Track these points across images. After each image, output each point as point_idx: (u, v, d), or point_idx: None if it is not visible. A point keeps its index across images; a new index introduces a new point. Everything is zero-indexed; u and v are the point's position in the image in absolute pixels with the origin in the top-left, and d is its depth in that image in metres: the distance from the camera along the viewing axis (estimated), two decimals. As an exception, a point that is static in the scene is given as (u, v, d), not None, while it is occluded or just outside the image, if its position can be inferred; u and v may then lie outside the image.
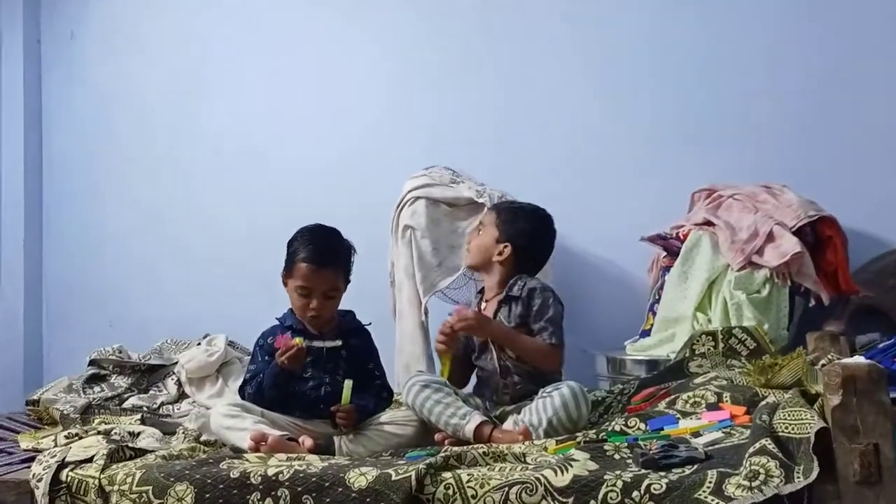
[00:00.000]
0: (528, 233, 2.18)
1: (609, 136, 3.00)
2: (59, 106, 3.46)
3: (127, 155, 3.38)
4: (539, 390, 1.98)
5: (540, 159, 3.02)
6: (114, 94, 3.42)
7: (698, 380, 2.00)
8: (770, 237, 2.51)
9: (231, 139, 3.29)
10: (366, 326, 2.14)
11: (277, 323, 2.10)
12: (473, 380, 2.21)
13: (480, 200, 2.68)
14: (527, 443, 1.78)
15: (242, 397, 2.04)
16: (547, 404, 1.92)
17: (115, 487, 1.63)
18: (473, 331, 2.06)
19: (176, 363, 2.65)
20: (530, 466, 1.54)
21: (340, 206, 2.98)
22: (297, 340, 1.95)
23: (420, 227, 2.69)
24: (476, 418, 1.93)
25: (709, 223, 2.64)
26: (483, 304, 2.17)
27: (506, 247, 2.15)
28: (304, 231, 2.09)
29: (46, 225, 3.42)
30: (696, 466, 1.46)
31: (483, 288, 2.23)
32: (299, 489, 1.54)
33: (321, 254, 2.03)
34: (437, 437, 1.95)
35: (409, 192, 2.75)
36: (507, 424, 1.94)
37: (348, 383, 1.96)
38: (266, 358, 2.03)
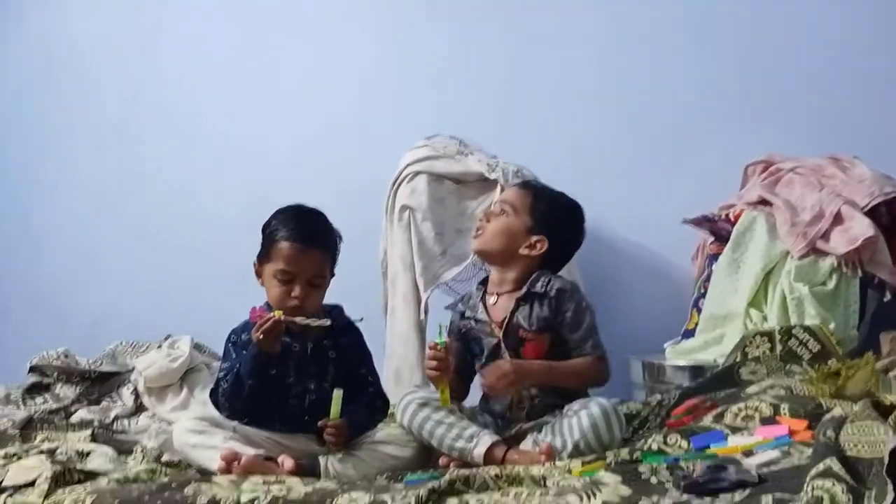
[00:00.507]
0: (567, 229, 2.17)
1: (645, 101, 3.00)
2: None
3: (72, 123, 3.38)
4: (560, 403, 1.99)
5: (560, 127, 3.03)
6: (58, 53, 3.42)
7: (751, 389, 2.00)
8: (838, 219, 2.51)
9: (194, 108, 3.30)
10: (356, 323, 2.14)
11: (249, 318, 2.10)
12: (476, 390, 2.20)
13: (492, 176, 2.68)
14: (547, 464, 1.78)
15: (215, 400, 2.03)
16: (573, 425, 1.91)
17: (62, 516, 1.63)
18: (515, 386, 2.03)
19: (133, 370, 2.67)
20: (551, 491, 1.54)
21: (325, 184, 3.00)
22: (277, 313, 1.93)
23: (421, 208, 2.69)
24: (486, 439, 1.94)
25: (765, 202, 2.64)
26: (492, 299, 2.16)
27: (541, 241, 2.13)
28: (285, 209, 2.08)
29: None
30: (748, 491, 1.46)
31: (486, 279, 2.21)
32: (278, 518, 1.55)
33: (307, 232, 2.02)
34: (441, 461, 1.96)
35: (408, 165, 2.74)
36: (527, 445, 1.95)
37: (338, 393, 1.95)
38: (242, 353, 2.03)
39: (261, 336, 1.92)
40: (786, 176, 2.68)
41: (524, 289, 2.10)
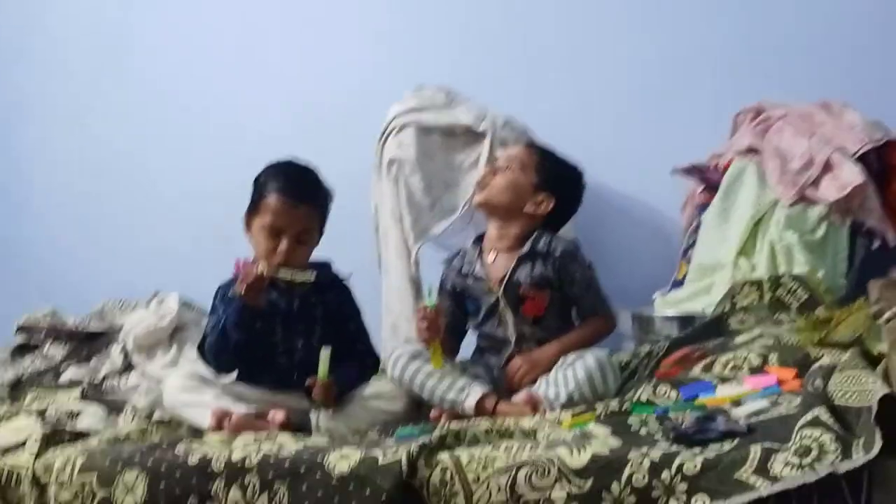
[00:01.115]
0: (571, 191, 2.21)
1: (634, 48, 2.96)
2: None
3: (46, 88, 3.33)
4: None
5: (548, 75, 2.99)
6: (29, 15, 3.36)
7: (740, 338, 2.01)
8: (827, 166, 2.49)
9: (178, 66, 3.24)
10: (345, 280, 2.13)
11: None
12: (469, 344, 2.21)
13: (481, 128, 2.66)
14: (537, 417, 1.80)
15: (203, 354, 2.03)
16: (568, 376, 1.93)
17: (53, 477, 1.64)
18: (532, 376, 2.03)
19: (121, 328, 2.66)
20: (541, 444, 1.55)
21: (311, 139, 2.96)
22: (261, 265, 1.92)
23: (409, 161, 2.67)
24: (477, 390, 1.95)
25: (755, 150, 2.62)
26: (490, 256, 2.15)
27: (546, 199, 2.14)
28: (276, 163, 2.07)
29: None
30: (736, 441, 1.47)
31: (482, 235, 2.21)
32: (270, 476, 1.56)
33: (297, 186, 2.01)
34: (432, 413, 1.97)
35: (395, 118, 2.71)
36: (521, 397, 1.96)
37: (325, 353, 1.95)
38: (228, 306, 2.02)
39: (243, 289, 1.91)
40: (776, 123, 2.65)
41: (527, 247, 2.10)
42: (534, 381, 2.00)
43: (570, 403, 1.88)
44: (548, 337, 2.09)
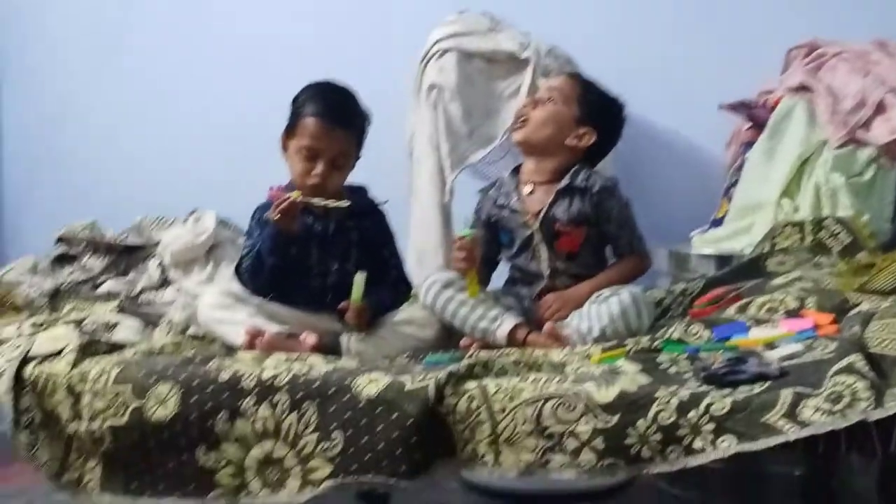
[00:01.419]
0: (613, 125, 2.16)
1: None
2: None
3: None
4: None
5: (593, 4, 2.92)
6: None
7: (777, 280, 1.98)
8: (880, 107, 2.44)
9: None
10: (381, 206, 2.13)
11: None
12: (500, 274, 2.20)
13: (524, 55, 2.61)
14: (567, 350, 1.80)
15: (239, 275, 2.05)
16: (602, 311, 1.92)
17: (88, 386, 1.68)
18: (564, 312, 2.01)
19: (158, 244, 2.69)
20: (569, 378, 1.55)
21: (352, 58, 2.92)
22: (295, 194, 1.92)
23: (449, 87, 2.63)
24: (509, 320, 1.95)
25: (806, 88, 2.56)
26: (527, 189, 2.11)
27: (588, 133, 2.10)
28: (315, 85, 2.05)
29: (2, 78, 3.40)
30: (767, 384, 1.46)
31: (519, 166, 2.17)
32: (299, 395, 1.58)
33: (334, 110, 1.99)
34: (462, 342, 1.98)
35: (437, 42, 2.67)
36: (545, 329, 1.95)
37: (359, 277, 1.95)
38: (265, 229, 2.03)
39: (277, 216, 1.91)
40: (829, 61, 2.59)
41: (565, 181, 2.06)
42: (564, 317, 1.99)
43: (602, 338, 1.88)
44: (581, 273, 2.08)
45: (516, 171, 2.17)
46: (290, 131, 2.02)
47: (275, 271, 1.98)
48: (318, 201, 1.96)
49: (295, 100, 2.04)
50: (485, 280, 2.15)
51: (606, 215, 2.08)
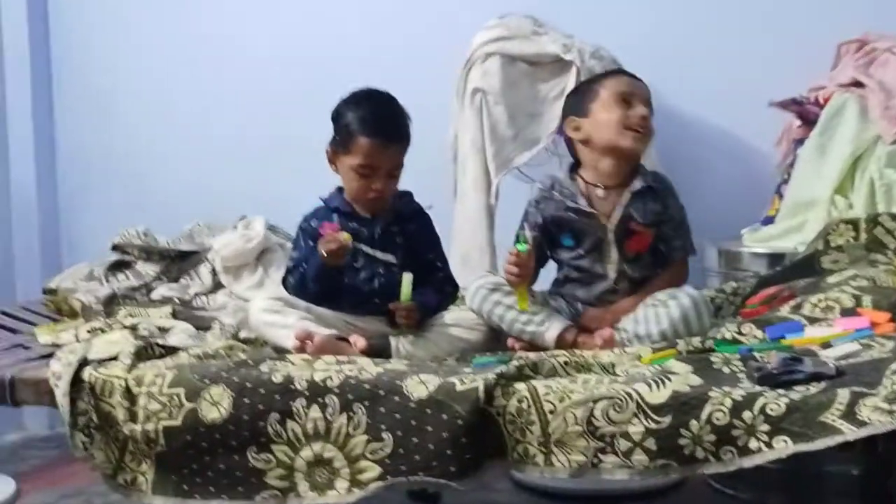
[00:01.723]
0: None
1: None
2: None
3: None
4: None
5: (633, 1, 2.89)
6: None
7: (832, 279, 1.95)
8: (935, 102, 2.39)
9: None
10: (426, 210, 2.14)
11: (322, 204, 2.11)
12: (547, 275, 2.17)
13: (568, 57, 2.60)
14: (617, 351, 1.78)
15: (286, 288, 2.09)
16: (661, 315, 1.89)
17: (144, 389, 1.70)
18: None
19: (209, 249, 2.72)
20: (620, 379, 1.54)
21: (396, 62, 2.93)
22: (346, 237, 1.96)
23: (493, 91, 2.63)
24: (558, 324, 1.94)
25: (858, 84, 2.52)
26: (599, 191, 2.06)
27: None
28: (358, 99, 2.06)
29: (57, 87, 3.46)
30: (823, 384, 1.44)
31: (574, 169, 2.09)
32: (350, 397, 1.59)
33: (388, 127, 2.02)
34: (509, 342, 1.97)
35: (480, 46, 2.67)
36: (603, 333, 1.93)
37: (407, 277, 1.97)
38: (310, 243, 2.06)
39: (329, 257, 1.95)
40: (882, 56, 2.55)
41: (640, 183, 2.03)
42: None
43: (663, 342, 1.83)
44: (642, 275, 2.04)
45: (573, 172, 2.11)
46: (342, 147, 2.04)
47: (318, 294, 2.03)
48: (367, 250, 2.01)
49: (340, 113, 2.06)
50: (534, 276, 2.12)
51: (668, 216, 2.05)
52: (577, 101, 2.10)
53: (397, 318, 1.99)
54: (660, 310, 1.90)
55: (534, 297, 2.01)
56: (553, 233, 2.08)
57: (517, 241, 1.98)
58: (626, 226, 2.03)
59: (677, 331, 1.86)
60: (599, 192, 2.05)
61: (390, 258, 2.03)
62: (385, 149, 2.01)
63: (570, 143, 2.13)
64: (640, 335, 1.88)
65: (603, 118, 2.04)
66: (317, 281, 2.01)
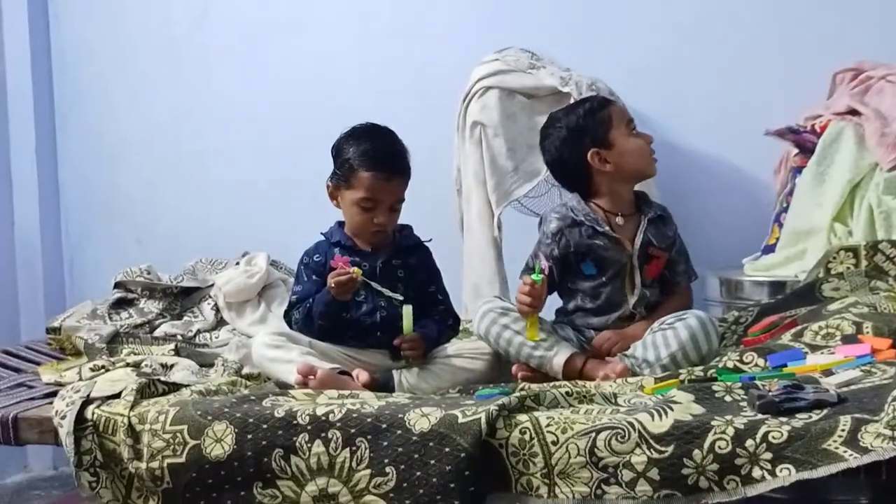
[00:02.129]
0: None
1: (726, 3, 2.87)
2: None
3: (144, 40, 3.39)
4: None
5: (635, 33, 2.91)
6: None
7: (833, 306, 1.95)
8: (931, 129, 2.40)
9: (264, 18, 3.27)
10: (425, 243, 2.15)
11: (323, 239, 2.13)
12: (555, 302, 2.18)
13: (566, 89, 2.62)
14: (619, 381, 1.78)
15: (289, 323, 2.09)
16: (669, 337, 1.90)
17: (147, 426, 1.71)
18: (624, 347, 1.99)
19: (212, 285, 2.73)
20: (622, 409, 1.54)
21: (395, 98, 2.96)
22: (356, 271, 1.98)
23: (492, 124, 2.66)
24: (566, 350, 1.95)
25: (854, 112, 2.53)
26: (619, 219, 2.08)
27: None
28: (358, 133, 2.09)
29: (60, 126, 3.49)
30: (825, 411, 1.43)
31: (585, 199, 2.10)
32: (352, 431, 1.59)
33: (389, 161, 2.04)
34: (514, 369, 1.98)
35: (479, 80, 2.69)
36: (616, 366, 1.93)
37: (407, 309, 1.99)
38: (314, 277, 2.07)
39: (334, 287, 1.97)
40: (876, 84, 2.57)
41: (651, 210, 2.11)
42: (623, 349, 1.98)
43: (672, 363, 1.86)
44: (655, 301, 2.09)
45: (585, 201, 2.11)
46: (343, 182, 2.06)
47: (323, 330, 2.04)
48: (375, 286, 2.03)
49: (341, 148, 2.08)
50: (539, 310, 2.14)
51: (677, 242, 2.14)
52: (594, 131, 2.09)
53: (403, 351, 1.99)
54: (668, 332, 1.91)
55: (541, 327, 2.01)
56: (574, 262, 2.08)
57: (532, 270, 1.99)
58: (645, 251, 2.06)
59: (687, 352, 1.88)
60: (619, 219, 2.08)
61: (397, 296, 2.04)
62: (387, 182, 2.03)
63: (579, 174, 2.12)
64: (649, 361, 1.89)
65: (631, 146, 2.09)
66: (324, 317, 2.02)
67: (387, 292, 2.04)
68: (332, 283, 1.98)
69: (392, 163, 2.04)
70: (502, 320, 2.00)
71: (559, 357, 1.94)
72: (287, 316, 2.11)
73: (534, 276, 1.97)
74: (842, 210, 2.47)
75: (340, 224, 2.12)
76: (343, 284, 1.97)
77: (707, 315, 1.96)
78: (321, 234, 2.14)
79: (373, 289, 2.05)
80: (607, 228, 2.06)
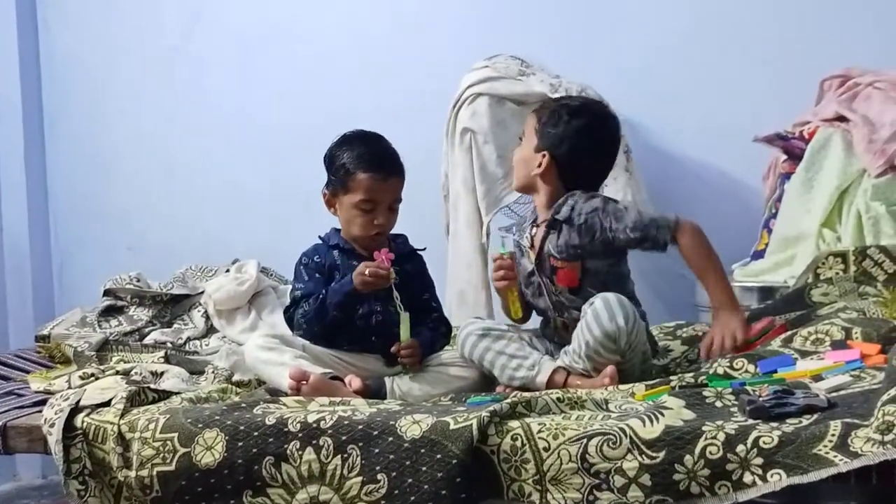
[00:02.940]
0: (571, 135, 1.98)
1: (714, 11, 2.88)
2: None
3: (134, 49, 3.39)
4: None
5: (625, 40, 2.93)
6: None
7: (822, 311, 1.96)
8: (919, 135, 2.41)
9: (254, 32, 3.27)
10: (419, 251, 2.17)
11: (321, 242, 2.14)
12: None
13: (555, 96, 2.62)
14: (611, 388, 1.78)
15: (289, 321, 2.09)
16: (581, 326, 1.89)
17: (137, 434, 1.70)
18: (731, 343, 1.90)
19: (202, 293, 2.72)
20: (613, 415, 1.54)
21: (385, 104, 2.97)
22: (392, 273, 1.98)
23: (482, 131, 2.66)
24: (547, 366, 1.94)
25: (842, 118, 2.54)
26: (534, 231, 2.07)
27: (543, 156, 2.00)
28: (350, 139, 2.10)
29: (49, 133, 3.49)
30: (815, 416, 1.44)
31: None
32: (343, 438, 1.58)
33: (385, 161, 2.06)
34: (497, 389, 1.97)
35: (469, 87, 2.71)
36: (562, 361, 1.94)
37: (405, 316, 2.00)
38: (316, 276, 2.07)
39: (368, 279, 1.96)
40: (864, 90, 2.57)
41: (548, 215, 2.01)
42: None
43: (588, 349, 1.86)
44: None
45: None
46: (340, 188, 2.06)
47: (335, 323, 2.03)
48: (395, 292, 2.02)
49: (335, 155, 2.09)
50: (526, 313, 2.14)
51: (606, 230, 1.94)
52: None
53: (401, 358, 2.00)
54: (581, 322, 1.89)
55: (523, 342, 2.01)
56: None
57: (499, 246, 2.00)
58: (548, 261, 2.03)
59: (595, 335, 1.85)
60: (533, 230, 2.09)
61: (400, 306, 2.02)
62: (384, 182, 2.04)
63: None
64: (576, 350, 1.89)
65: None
66: (340, 307, 2.00)
67: (398, 300, 2.02)
68: (367, 273, 1.96)
69: (388, 163, 2.06)
70: (483, 342, 1.99)
71: (541, 376, 1.93)
72: (288, 313, 2.10)
73: (500, 249, 1.97)
74: (830, 216, 2.47)
75: (337, 230, 2.13)
76: (378, 277, 1.96)
77: (614, 296, 1.86)
78: (319, 237, 2.15)
79: (369, 296, 2.04)
80: (525, 237, 2.07)
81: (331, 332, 2.04)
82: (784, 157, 2.67)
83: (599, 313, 1.86)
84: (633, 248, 2.00)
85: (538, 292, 2.05)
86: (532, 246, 2.05)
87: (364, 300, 2.03)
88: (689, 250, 1.96)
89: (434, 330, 2.10)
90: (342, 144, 2.09)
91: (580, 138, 2.00)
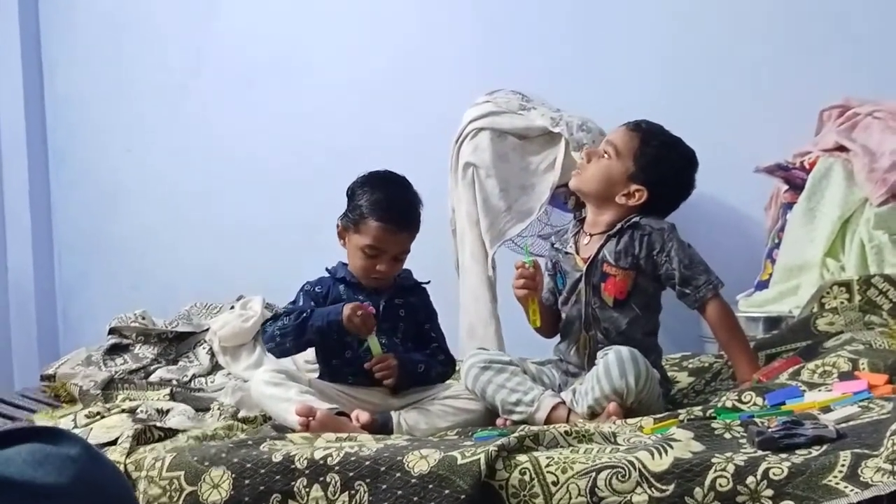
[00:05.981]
0: (673, 180, 2.03)
1: (714, 46, 2.91)
2: (60, 34, 3.51)
3: (140, 88, 3.42)
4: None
5: (626, 73, 2.95)
6: (120, 19, 3.46)
7: (829, 343, 1.96)
8: (919, 164, 2.42)
9: (258, 63, 3.30)
10: (423, 285, 2.17)
11: (328, 274, 2.14)
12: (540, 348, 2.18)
13: (556, 130, 2.65)
14: (618, 421, 1.78)
15: (264, 332, 2.10)
16: (593, 373, 1.89)
17: (143, 473, 1.69)
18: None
19: (207, 330, 2.73)
20: (622, 448, 1.53)
21: (391, 140, 2.99)
22: (374, 335, 2.00)
23: (484, 165, 2.68)
24: (547, 403, 1.92)
25: (842, 148, 2.55)
26: (585, 240, 2.05)
27: (640, 191, 1.99)
28: (374, 181, 2.08)
29: (53, 171, 3.50)
30: (825, 447, 1.43)
31: (584, 217, 2.11)
32: (351, 474, 1.58)
33: (400, 214, 2.04)
34: (498, 422, 1.96)
35: (470, 122, 2.72)
36: (567, 396, 1.93)
37: (372, 336, 1.99)
38: (310, 302, 2.08)
39: (356, 321, 1.96)
40: (863, 120, 2.59)
41: (616, 226, 2.00)
42: None
43: (593, 401, 1.86)
44: (618, 328, 1.99)
45: (581, 221, 2.12)
46: (353, 226, 2.06)
47: (309, 345, 2.04)
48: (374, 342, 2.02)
49: (356, 193, 2.08)
50: (552, 327, 2.11)
51: (664, 251, 1.96)
52: None
53: (376, 374, 1.99)
54: (594, 370, 1.89)
55: (525, 369, 2.00)
56: (554, 277, 2.12)
57: (524, 255, 2.00)
58: (600, 267, 2.04)
59: (602, 387, 1.85)
60: (584, 240, 2.10)
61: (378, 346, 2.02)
62: (394, 235, 2.03)
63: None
64: (582, 392, 1.88)
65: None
66: (319, 332, 2.00)
67: (375, 343, 2.01)
68: (355, 316, 1.95)
69: (402, 216, 2.04)
70: (484, 375, 1.97)
71: (540, 413, 1.90)
72: (265, 324, 2.11)
73: (524, 259, 1.96)
74: (833, 245, 2.48)
75: (345, 264, 2.13)
76: (363, 325, 1.97)
77: (628, 350, 1.87)
78: (326, 269, 2.15)
79: (376, 329, 2.04)
80: (570, 245, 2.07)
81: (300, 350, 2.06)
82: (785, 187, 2.68)
83: (610, 368, 1.85)
84: (670, 285, 2.00)
85: (575, 300, 2.03)
86: (578, 252, 2.05)
87: (344, 335, 2.02)
88: (719, 320, 2.01)
89: (430, 356, 2.10)
90: (364, 184, 2.08)
91: (678, 183, 2.06)
